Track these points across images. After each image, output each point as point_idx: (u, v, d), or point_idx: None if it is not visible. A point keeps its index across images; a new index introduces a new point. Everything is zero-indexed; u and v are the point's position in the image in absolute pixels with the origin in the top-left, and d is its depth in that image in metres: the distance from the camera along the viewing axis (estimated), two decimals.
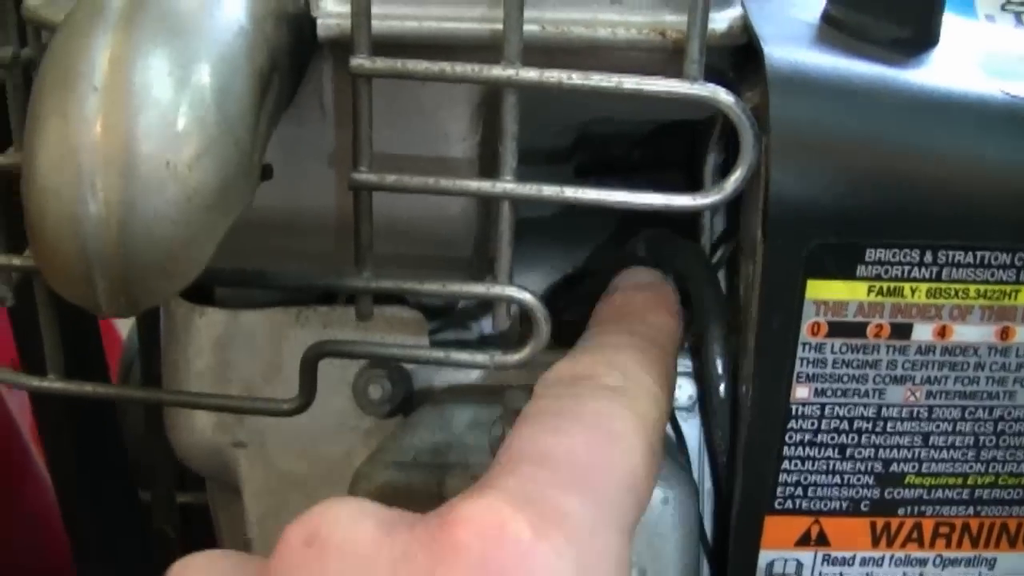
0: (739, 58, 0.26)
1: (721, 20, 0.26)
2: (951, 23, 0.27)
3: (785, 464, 0.25)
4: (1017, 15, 0.28)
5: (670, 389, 0.25)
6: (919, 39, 0.25)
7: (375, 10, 0.25)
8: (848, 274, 0.23)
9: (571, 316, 0.34)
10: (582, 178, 0.35)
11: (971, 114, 0.24)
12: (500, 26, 0.24)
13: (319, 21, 0.26)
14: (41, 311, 0.28)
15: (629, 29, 0.25)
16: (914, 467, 0.25)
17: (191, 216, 0.22)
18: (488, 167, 0.27)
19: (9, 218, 0.27)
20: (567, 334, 0.34)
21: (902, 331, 0.24)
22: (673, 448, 0.30)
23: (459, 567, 0.20)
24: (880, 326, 0.24)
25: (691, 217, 0.30)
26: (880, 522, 0.26)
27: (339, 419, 0.33)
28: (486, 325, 0.36)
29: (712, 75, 0.24)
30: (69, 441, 0.38)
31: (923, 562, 0.26)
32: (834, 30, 0.26)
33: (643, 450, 0.22)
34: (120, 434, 0.40)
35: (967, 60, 0.25)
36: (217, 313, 0.34)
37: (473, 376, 0.32)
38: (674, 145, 0.34)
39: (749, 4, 0.26)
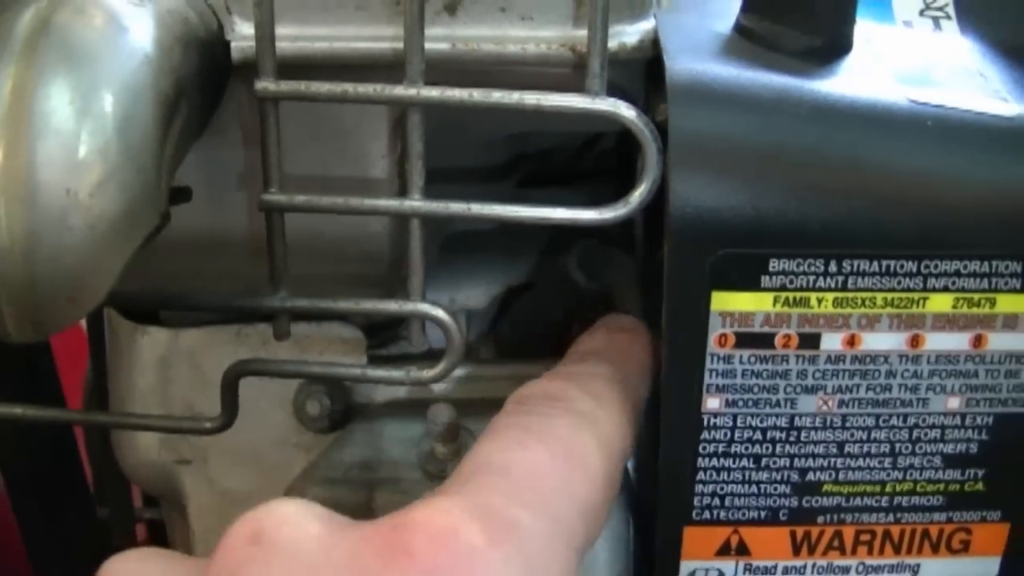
0: (654, 71, 0.27)
1: (632, 34, 0.26)
2: (867, 29, 0.28)
3: (701, 475, 0.26)
4: (935, 20, 0.29)
5: (637, 425, 0.25)
6: (831, 48, 0.26)
7: (289, 31, 0.26)
8: (753, 285, 0.24)
9: (512, 329, 0.35)
10: (524, 190, 0.35)
11: (876, 122, 0.24)
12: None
13: (232, 44, 0.26)
14: None
15: (539, 45, 0.26)
16: (831, 475, 0.26)
17: (94, 243, 0.22)
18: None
19: None
20: (510, 346, 0.35)
21: (810, 341, 0.24)
22: None
23: (410, 570, 0.20)
24: (788, 336, 0.24)
25: (621, 229, 0.31)
26: (800, 531, 0.26)
27: (280, 435, 0.34)
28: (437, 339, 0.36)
29: (615, 90, 0.24)
30: (25, 459, 0.39)
31: (846, 570, 0.27)
32: (746, 41, 0.26)
33: (603, 478, 0.23)
34: (76, 452, 0.41)
35: (878, 67, 0.26)
36: (159, 332, 0.34)
37: (404, 392, 0.32)
38: (611, 155, 0.34)
39: (666, 16, 0.27)
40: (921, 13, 0.29)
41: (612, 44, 0.26)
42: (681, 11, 0.28)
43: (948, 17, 0.29)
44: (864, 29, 0.27)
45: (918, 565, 0.27)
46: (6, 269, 0.22)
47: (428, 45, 0.25)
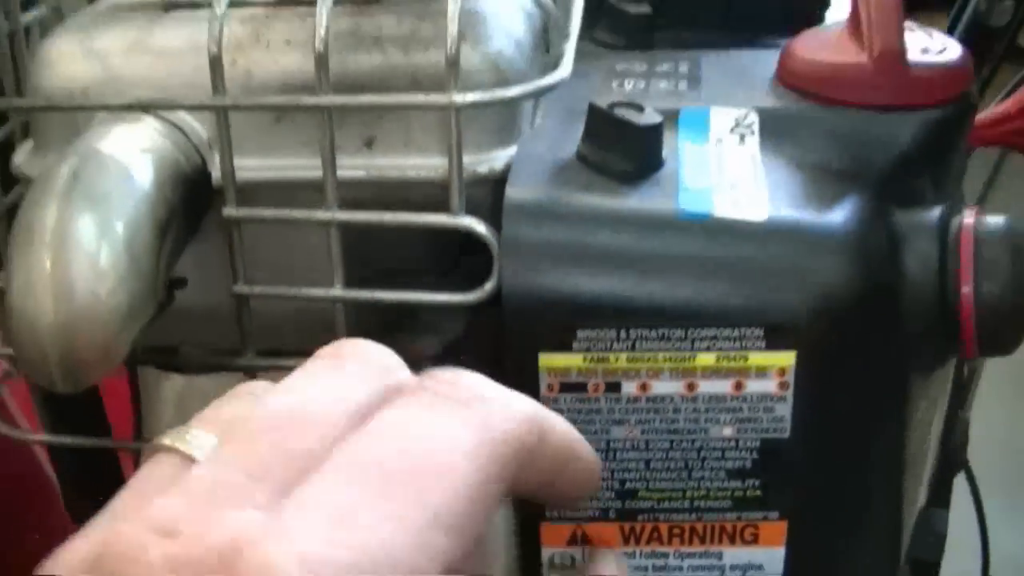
0: None
1: (500, 159, 0.38)
2: (682, 147, 0.39)
3: None
4: (741, 136, 0.40)
5: None
6: (642, 169, 0.37)
7: (250, 163, 0.38)
8: (567, 349, 0.35)
9: None
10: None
11: (658, 226, 0.35)
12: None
13: (213, 174, 0.38)
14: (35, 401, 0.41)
15: (428, 171, 0.37)
16: (644, 485, 0.37)
17: (111, 326, 0.34)
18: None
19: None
20: None
21: (613, 387, 0.35)
22: None
23: None
24: (597, 384, 0.35)
25: None
26: (626, 526, 0.37)
27: None
28: None
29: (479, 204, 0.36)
30: (80, 484, 0.52)
31: (665, 555, 0.38)
32: (581, 165, 0.37)
33: None
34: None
35: (673, 182, 0.37)
36: (177, 378, 0.47)
37: None
38: None
39: (526, 144, 0.39)
40: (731, 130, 0.40)
41: (483, 168, 0.37)
42: (542, 139, 0.39)
43: (752, 133, 0.40)
44: (680, 146, 0.38)
45: (720, 552, 0.38)
46: (53, 343, 0.34)
47: (349, 173, 0.37)
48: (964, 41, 0.84)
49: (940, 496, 0.47)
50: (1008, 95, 0.77)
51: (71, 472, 0.51)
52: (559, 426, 0.29)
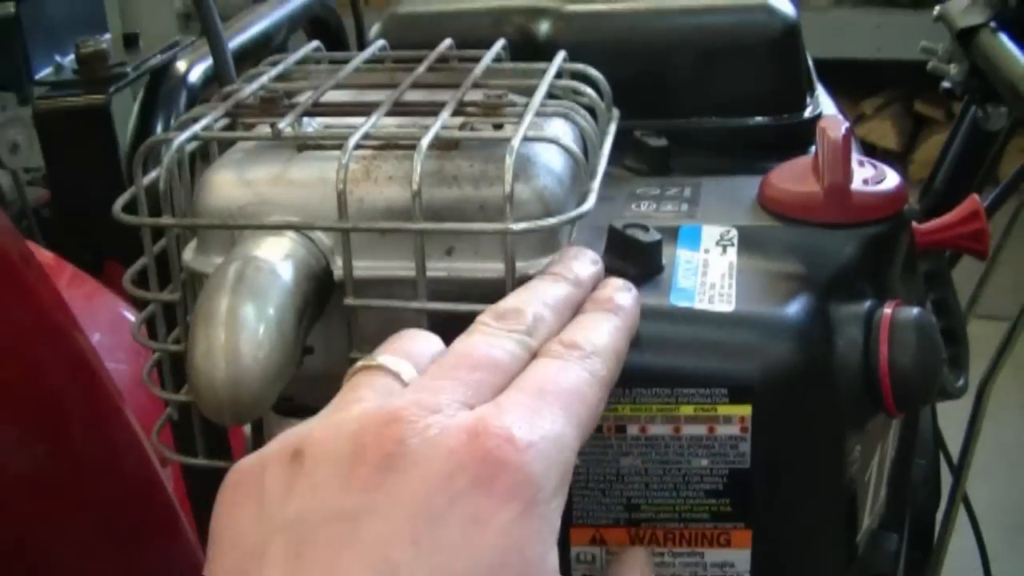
0: None
1: (543, 263, 0.54)
2: (680, 257, 0.54)
3: (575, 499, 0.52)
4: (723, 247, 0.55)
5: None
6: (646, 274, 0.53)
7: (363, 264, 0.54)
8: None
9: None
10: None
11: (653, 317, 0.51)
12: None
13: (335, 273, 0.54)
14: (196, 429, 0.57)
15: (494, 273, 0.53)
16: (645, 500, 0.52)
17: (266, 381, 0.50)
18: None
19: (176, 372, 0.57)
20: None
21: (621, 429, 0.51)
22: None
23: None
24: (609, 427, 0.51)
25: None
26: (633, 531, 0.52)
27: None
28: None
29: None
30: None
31: (662, 553, 0.53)
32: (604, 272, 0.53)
33: None
34: None
35: (667, 284, 0.52)
36: (296, 422, 0.63)
37: None
38: None
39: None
40: (716, 243, 0.55)
41: (531, 271, 0.53)
42: None
43: (732, 245, 0.55)
44: (677, 255, 0.54)
45: (703, 552, 0.53)
46: (225, 393, 0.49)
47: (434, 274, 0.53)
48: (965, 142, 1.00)
49: (891, 522, 0.62)
50: (998, 194, 0.92)
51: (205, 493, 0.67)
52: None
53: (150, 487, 0.76)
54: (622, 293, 0.48)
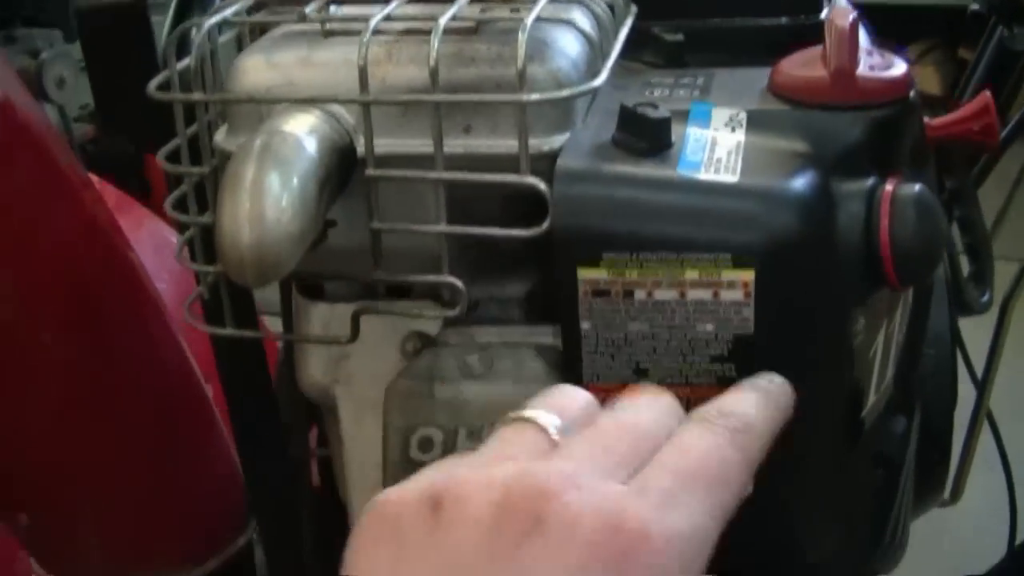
0: None
1: (557, 141, 0.56)
2: (690, 130, 0.57)
3: (585, 362, 0.55)
4: (733, 127, 0.58)
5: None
6: (656, 148, 0.55)
7: (384, 142, 0.57)
8: (596, 265, 0.53)
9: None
10: None
11: (661, 186, 0.53)
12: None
13: (357, 149, 0.57)
14: (224, 299, 0.61)
15: (509, 149, 0.56)
16: (652, 365, 0.54)
17: (287, 244, 0.53)
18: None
19: (207, 247, 0.60)
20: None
21: (629, 294, 0.53)
22: None
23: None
24: (617, 291, 0.53)
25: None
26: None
27: (393, 364, 0.64)
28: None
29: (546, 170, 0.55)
30: (242, 388, 0.71)
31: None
32: (614, 146, 0.56)
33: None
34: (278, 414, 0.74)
35: (678, 156, 0.55)
36: (323, 305, 0.66)
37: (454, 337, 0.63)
38: None
39: (578, 132, 0.57)
40: (726, 124, 0.58)
41: (545, 147, 0.56)
42: (588, 129, 0.58)
43: (741, 126, 0.58)
44: (687, 133, 0.57)
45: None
46: (249, 254, 0.52)
47: (452, 150, 0.56)
48: (991, 63, 1.02)
49: (899, 406, 0.64)
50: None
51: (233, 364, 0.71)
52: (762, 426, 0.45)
53: (184, 379, 0.80)
54: (777, 379, 0.49)
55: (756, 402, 0.46)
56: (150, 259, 1.09)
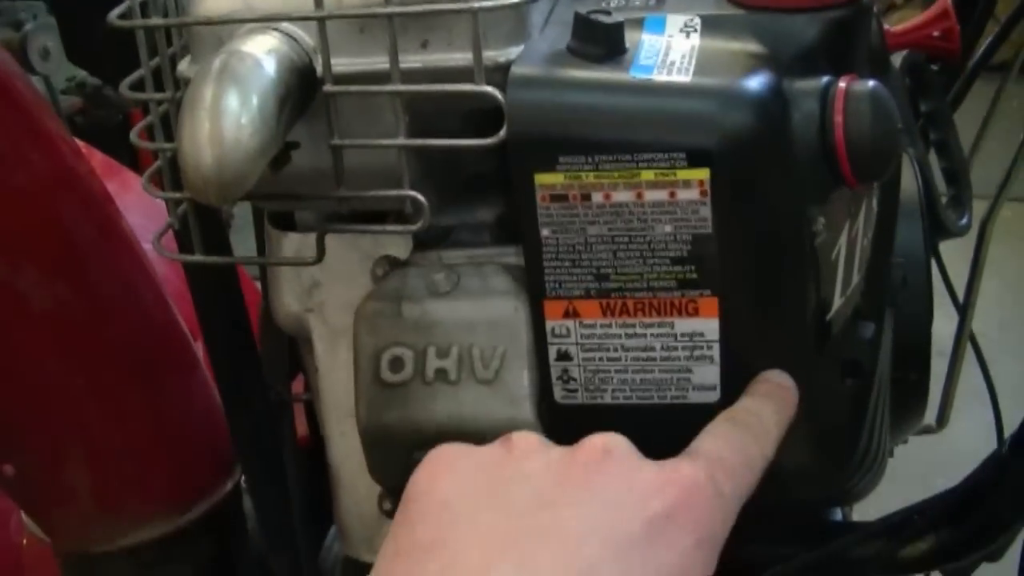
0: None
1: (512, 53, 0.57)
2: (644, 37, 0.57)
3: (547, 271, 0.56)
4: (687, 33, 0.58)
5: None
6: (611, 53, 0.56)
7: (342, 60, 0.57)
8: (552, 170, 0.54)
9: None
10: None
11: (615, 88, 0.54)
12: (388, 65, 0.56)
13: (316, 69, 0.58)
14: (192, 225, 0.62)
15: (465, 62, 0.57)
16: (613, 270, 0.55)
17: (248, 160, 0.54)
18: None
19: (174, 175, 0.61)
20: None
21: (586, 197, 0.54)
22: None
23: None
24: (574, 195, 0.54)
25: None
26: (603, 302, 0.56)
27: (364, 289, 0.65)
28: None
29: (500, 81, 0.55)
30: (220, 320, 0.72)
31: (632, 325, 0.56)
32: (568, 54, 0.56)
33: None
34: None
35: (632, 60, 0.56)
36: (294, 235, 0.67)
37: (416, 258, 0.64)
38: None
39: (532, 43, 0.58)
40: (680, 30, 0.58)
41: (501, 59, 0.57)
42: (544, 40, 0.58)
43: (695, 31, 0.58)
44: (641, 39, 0.57)
45: (672, 323, 0.56)
46: (210, 171, 0.53)
47: (409, 65, 0.57)
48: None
49: (867, 312, 0.65)
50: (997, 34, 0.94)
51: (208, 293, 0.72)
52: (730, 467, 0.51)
53: (167, 325, 0.81)
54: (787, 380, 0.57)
55: (773, 409, 0.55)
56: (139, 221, 1.11)
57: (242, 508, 0.88)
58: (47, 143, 0.78)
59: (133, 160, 1.46)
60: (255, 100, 0.54)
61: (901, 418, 0.80)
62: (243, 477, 0.87)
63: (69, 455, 0.79)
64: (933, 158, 0.93)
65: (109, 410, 0.80)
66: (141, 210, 1.13)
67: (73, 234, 0.78)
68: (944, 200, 0.90)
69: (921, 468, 1.00)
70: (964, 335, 0.89)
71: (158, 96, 0.60)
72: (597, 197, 0.54)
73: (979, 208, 0.93)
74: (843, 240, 0.60)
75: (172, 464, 0.83)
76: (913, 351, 0.77)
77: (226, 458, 0.85)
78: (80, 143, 1.07)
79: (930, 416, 0.91)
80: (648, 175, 0.53)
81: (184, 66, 0.62)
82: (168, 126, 0.63)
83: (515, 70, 0.55)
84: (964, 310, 0.89)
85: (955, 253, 0.92)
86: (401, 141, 0.57)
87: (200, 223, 0.62)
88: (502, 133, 0.55)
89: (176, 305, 0.85)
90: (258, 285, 0.84)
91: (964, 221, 0.90)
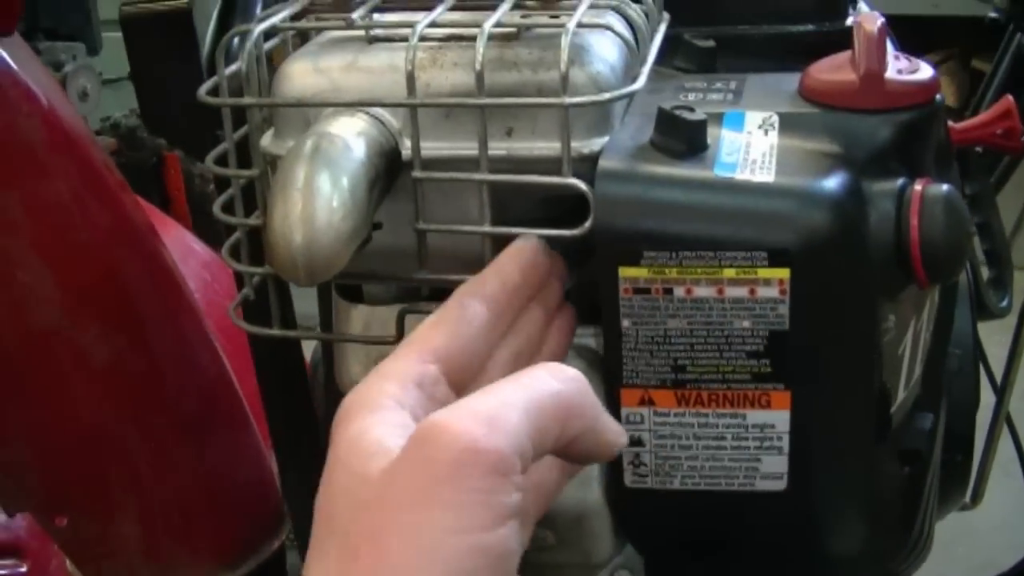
0: None
1: (597, 144, 0.59)
2: (724, 137, 0.59)
3: (625, 360, 0.58)
4: (766, 130, 0.60)
5: None
6: (692, 150, 0.58)
7: (429, 145, 0.59)
8: (637, 264, 0.56)
9: None
10: None
11: (699, 187, 0.56)
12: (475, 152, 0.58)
13: (403, 152, 0.60)
14: (272, 300, 0.63)
15: (550, 151, 0.58)
16: (690, 361, 0.57)
17: (338, 244, 0.56)
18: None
19: (253, 248, 0.63)
20: None
21: (668, 291, 0.56)
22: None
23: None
24: (657, 288, 0.56)
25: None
26: (679, 392, 0.58)
27: None
28: None
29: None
30: (281, 389, 0.74)
31: (706, 415, 0.58)
32: (652, 148, 0.58)
33: None
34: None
35: (713, 158, 0.57)
36: (363, 307, 0.68)
37: None
38: None
39: (616, 134, 0.60)
40: (759, 127, 0.60)
41: (585, 150, 0.59)
42: (627, 132, 0.60)
43: (774, 129, 0.60)
44: (722, 136, 0.59)
45: (745, 414, 0.58)
46: (300, 254, 0.55)
47: (495, 152, 0.58)
48: (1009, 71, 1.05)
49: (925, 403, 0.67)
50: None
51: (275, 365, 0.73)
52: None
53: (220, 382, 0.82)
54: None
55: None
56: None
57: (286, 567, 0.89)
58: (110, 199, 0.80)
59: (164, 202, 1.48)
60: (346, 183, 0.56)
61: (945, 497, 0.82)
62: (289, 535, 0.88)
63: (121, 508, 0.81)
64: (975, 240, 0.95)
65: (161, 464, 0.81)
66: (177, 254, 1.15)
67: (133, 289, 0.80)
68: (984, 280, 0.92)
69: (944, 535, 1.01)
70: (1001, 416, 0.91)
71: (245, 173, 0.62)
72: (679, 291, 0.56)
73: (1020, 279, 0.95)
74: (909, 336, 0.62)
75: (221, 520, 0.84)
76: (960, 435, 0.79)
77: (275, 516, 0.86)
78: None
79: None
80: (730, 272, 0.55)
81: (267, 141, 0.64)
82: (247, 199, 0.64)
83: (603, 164, 0.57)
84: (1002, 392, 0.91)
85: (993, 335, 0.94)
86: (488, 229, 0.58)
87: (279, 300, 0.63)
88: (587, 224, 0.57)
89: (227, 359, 0.86)
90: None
91: (1005, 303, 0.91)
